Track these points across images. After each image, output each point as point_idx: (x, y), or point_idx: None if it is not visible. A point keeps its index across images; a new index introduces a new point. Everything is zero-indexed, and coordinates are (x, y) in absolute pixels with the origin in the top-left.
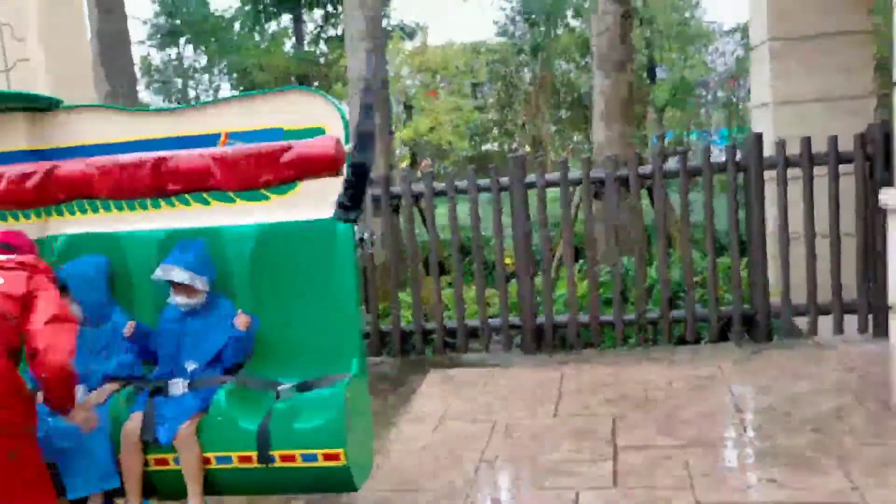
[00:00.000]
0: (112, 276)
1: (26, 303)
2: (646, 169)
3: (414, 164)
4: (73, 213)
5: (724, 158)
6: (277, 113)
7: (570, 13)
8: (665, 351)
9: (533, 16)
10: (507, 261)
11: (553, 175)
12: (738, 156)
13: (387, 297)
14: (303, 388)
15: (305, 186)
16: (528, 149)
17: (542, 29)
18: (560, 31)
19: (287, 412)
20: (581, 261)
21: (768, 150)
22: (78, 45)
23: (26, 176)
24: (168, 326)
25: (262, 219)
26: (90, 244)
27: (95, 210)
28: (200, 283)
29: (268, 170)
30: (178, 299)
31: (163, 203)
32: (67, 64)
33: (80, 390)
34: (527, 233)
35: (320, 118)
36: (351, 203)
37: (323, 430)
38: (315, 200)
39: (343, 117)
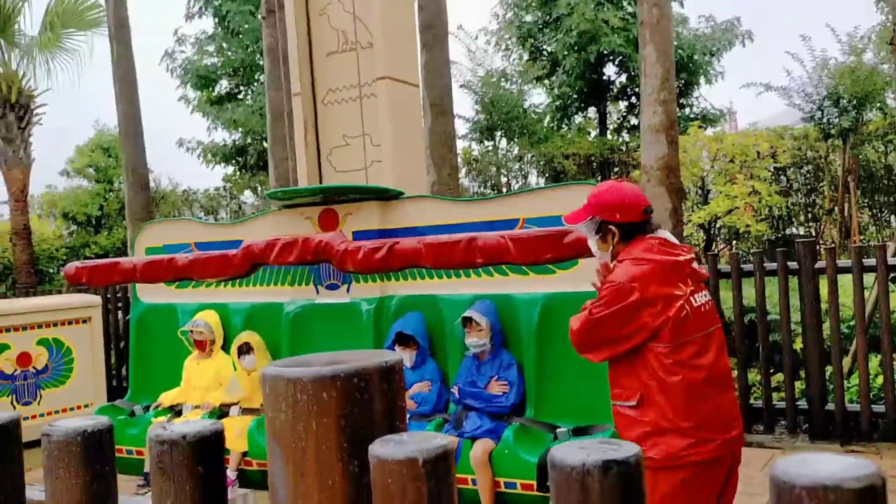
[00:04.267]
0: (430, 330)
1: None
2: None
3: (709, 247)
4: (405, 279)
5: None
6: (564, 203)
7: (889, 95)
8: None
9: (843, 100)
10: (796, 346)
11: (845, 262)
12: None
13: None
14: (577, 432)
15: (586, 263)
16: (835, 235)
17: (854, 113)
18: (873, 114)
19: None
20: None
21: None
22: (417, 148)
23: (377, 249)
24: (464, 372)
25: (548, 289)
26: (416, 303)
27: (422, 277)
28: (484, 323)
29: (553, 249)
30: (470, 340)
31: (472, 273)
32: (407, 163)
33: None
34: (817, 318)
35: None
36: None
37: None
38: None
39: None
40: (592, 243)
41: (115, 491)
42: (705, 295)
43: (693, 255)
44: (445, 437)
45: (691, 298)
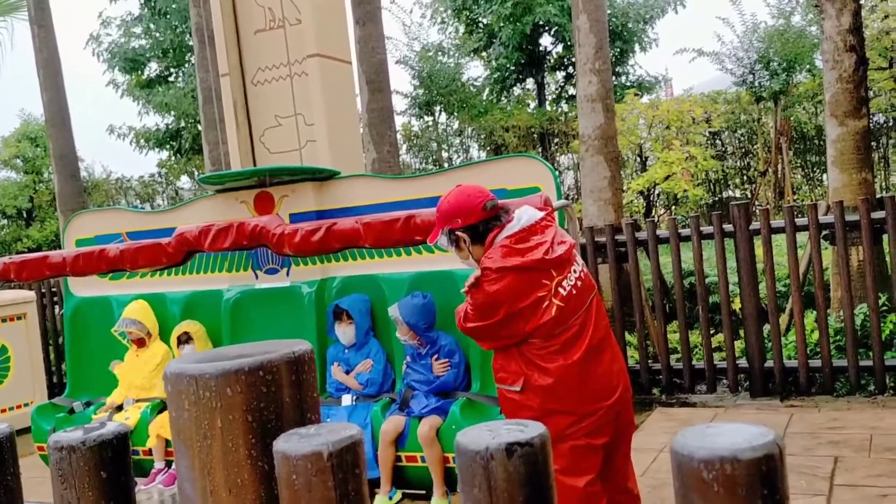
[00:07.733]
0: (372, 310)
1: None
2: (878, 214)
3: (648, 213)
4: (346, 260)
5: None
6: (503, 176)
7: (817, 57)
8: None
9: (773, 63)
10: (735, 306)
11: (778, 222)
12: None
13: None
14: None
15: None
16: (770, 196)
17: (784, 76)
18: (803, 76)
19: None
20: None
21: None
22: (352, 126)
23: (314, 231)
24: (410, 350)
25: None
26: (358, 284)
27: (363, 257)
28: (404, 327)
29: None
30: (400, 335)
31: (413, 251)
32: (343, 141)
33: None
34: (753, 278)
35: (537, 179)
36: None
37: None
38: None
39: (555, 178)
40: (455, 254)
41: (21, 499)
42: (575, 271)
43: (550, 238)
44: (354, 427)
45: (559, 289)
